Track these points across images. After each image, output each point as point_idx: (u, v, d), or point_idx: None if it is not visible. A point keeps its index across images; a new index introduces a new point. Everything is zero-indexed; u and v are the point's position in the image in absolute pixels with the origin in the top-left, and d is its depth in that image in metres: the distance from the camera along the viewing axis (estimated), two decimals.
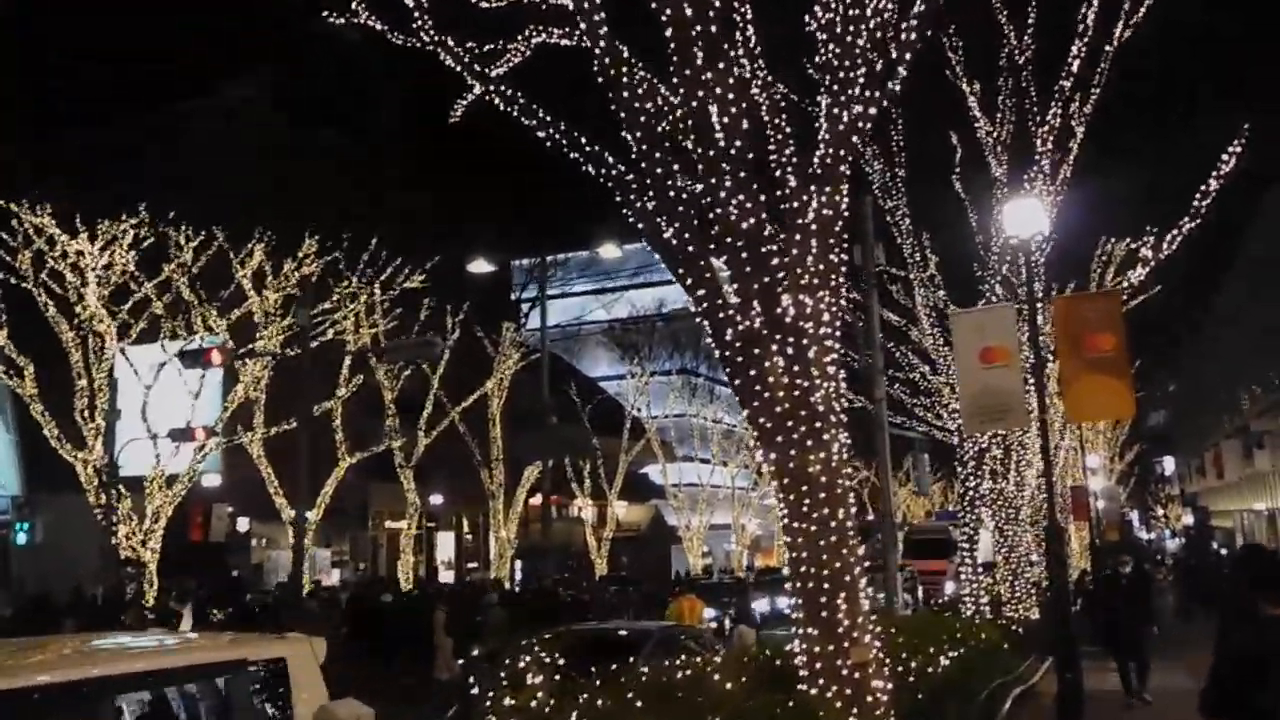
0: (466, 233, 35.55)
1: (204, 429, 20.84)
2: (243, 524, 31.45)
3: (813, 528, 6.50)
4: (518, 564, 36.87)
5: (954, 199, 17.81)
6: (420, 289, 27.13)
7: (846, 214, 7.24)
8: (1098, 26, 13.47)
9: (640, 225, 7.08)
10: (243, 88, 36.62)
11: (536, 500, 46.40)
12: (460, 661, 6.10)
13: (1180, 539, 64.18)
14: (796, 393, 6.56)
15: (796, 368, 6.55)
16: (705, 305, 6.75)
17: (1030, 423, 12.91)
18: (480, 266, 24.48)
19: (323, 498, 27.57)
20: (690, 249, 6.70)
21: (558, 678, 5.53)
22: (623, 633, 9.85)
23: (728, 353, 6.71)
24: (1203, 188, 11.90)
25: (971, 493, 15.77)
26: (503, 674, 5.31)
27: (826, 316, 6.90)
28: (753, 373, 6.61)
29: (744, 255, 6.49)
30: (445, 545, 41.81)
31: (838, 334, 7.06)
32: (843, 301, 7.21)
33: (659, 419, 42.05)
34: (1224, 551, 49.47)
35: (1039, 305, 12.49)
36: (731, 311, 6.70)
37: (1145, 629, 13.49)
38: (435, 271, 27.67)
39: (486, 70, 8.07)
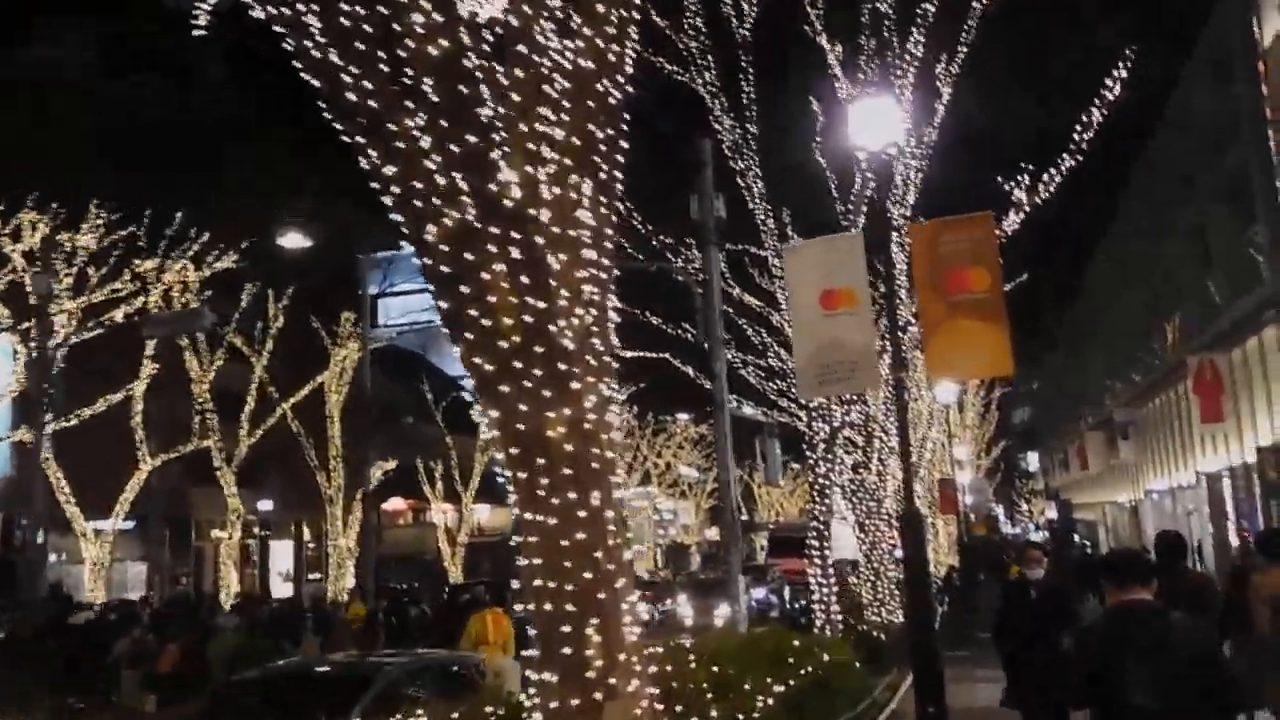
0: (307, 219, 33.05)
1: None
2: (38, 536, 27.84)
3: (551, 520, 4.33)
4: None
5: (817, 174, 16.18)
6: (238, 270, 24.39)
7: (628, 88, 5.16)
8: None
9: (319, 83, 4.83)
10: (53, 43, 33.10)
11: (393, 505, 43.67)
12: None
13: (1044, 533, 64.86)
14: (529, 317, 4.40)
15: (526, 279, 4.38)
16: (399, 190, 4.52)
17: (883, 384, 10.94)
18: (293, 241, 21.82)
19: (122, 504, 24.59)
20: (373, 104, 4.47)
21: None
22: (340, 672, 7.54)
23: (429, 259, 4.49)
24: (1084, 118, 10.32)
25: (822, 480, 13.81)
26: None
27: (588, 217, 4.77)
28: (465, 288, 4.42)
29: (437, 101, 4.27)
30: (284, 555, 38.52)
31: (608, 243, 4.93)
32: (617, 202, 5.09)
33: None
34: (1087, 544, 49.76)
35: (899, 233, 10.42)
36: (437, 201, 4.49)
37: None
38: (272, 260, 25.08)
39: None
